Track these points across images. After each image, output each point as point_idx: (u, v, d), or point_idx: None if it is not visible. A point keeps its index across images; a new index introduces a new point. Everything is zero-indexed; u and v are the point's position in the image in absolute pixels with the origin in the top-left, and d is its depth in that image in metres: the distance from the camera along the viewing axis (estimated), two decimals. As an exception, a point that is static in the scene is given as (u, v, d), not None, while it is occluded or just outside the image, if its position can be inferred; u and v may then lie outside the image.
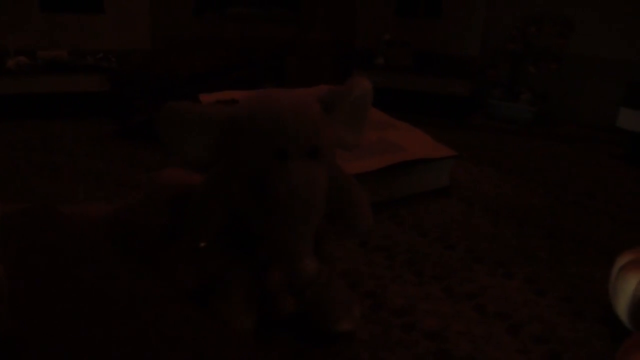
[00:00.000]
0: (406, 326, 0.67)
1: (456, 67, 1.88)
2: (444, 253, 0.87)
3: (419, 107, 1.82)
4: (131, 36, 1.94)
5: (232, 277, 0.59)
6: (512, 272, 0.82)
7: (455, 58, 1.95)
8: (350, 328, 0.63)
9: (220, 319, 0.56)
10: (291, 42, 2.15)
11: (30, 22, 1.81)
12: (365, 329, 0.65)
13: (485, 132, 1.65)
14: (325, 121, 0.56)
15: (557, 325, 0.69)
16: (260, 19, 2.25)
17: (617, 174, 1.31)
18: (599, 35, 1.73)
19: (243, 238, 0.59)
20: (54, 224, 0.59)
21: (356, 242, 0.88)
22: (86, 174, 1.15)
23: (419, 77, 1.82)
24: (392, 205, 1.04)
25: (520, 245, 0.91)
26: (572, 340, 0.66)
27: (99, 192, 1.06)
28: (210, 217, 0.57)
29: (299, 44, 2.17)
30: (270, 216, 0.54)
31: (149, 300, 0.47)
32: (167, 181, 0.66)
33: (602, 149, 1.53)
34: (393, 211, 1.02)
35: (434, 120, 1.73)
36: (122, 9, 1.92)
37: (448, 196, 1.11)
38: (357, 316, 0.64)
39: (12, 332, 0.41)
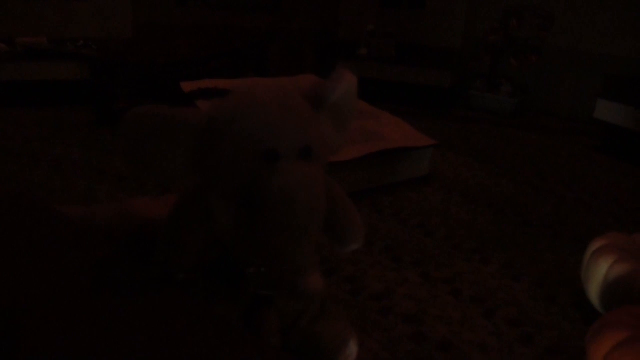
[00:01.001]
0: (384, 310, 0.69)
1: (439, 59, 1.89)
2: (423, 240, 0.89)
3: (401, 98, 1.83)
4: (113, 24, 1.91)
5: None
6: (489, 258, 0.84)
7: (438, 49, 1.96)
8: None
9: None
10: (273, 30, 2.15)
11: (10, 8, 1.78)
12: (344, 313, 0.66)
13: (465, 123, 1.67)
14: (315, 119, 0.50)
15: (530, 309, 0.71)
16: (242, 8, 2.24)
17: (592, 164, 1.33)
18: (579, 28, 1.75)
19: (228, 272, 0.52)
20: (40, 209, 0.59)
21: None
22: (65, 162, 1.14)
23: (402, 68, 1.83)
24: (372, 193, 1.05)
25: (497, 232, 0.93)
26: (544, 323, 0.68)
27: (78, 179, 1.05)
28: (188, 243, 0.50)
29: (281, 33, 2.16)
30: (265, 229, 0.46)
31: (145, 286, 0.46)
32: (136, 211, 0.58)
33: (579, 140, 1.55)
34: (373, 199, 1.03)
35: (415, 111, 1.75)
36: (103, -4, 1.89)
37: (428, 185, 1.12)
38: (355, 350, 0.55)
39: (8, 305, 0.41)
